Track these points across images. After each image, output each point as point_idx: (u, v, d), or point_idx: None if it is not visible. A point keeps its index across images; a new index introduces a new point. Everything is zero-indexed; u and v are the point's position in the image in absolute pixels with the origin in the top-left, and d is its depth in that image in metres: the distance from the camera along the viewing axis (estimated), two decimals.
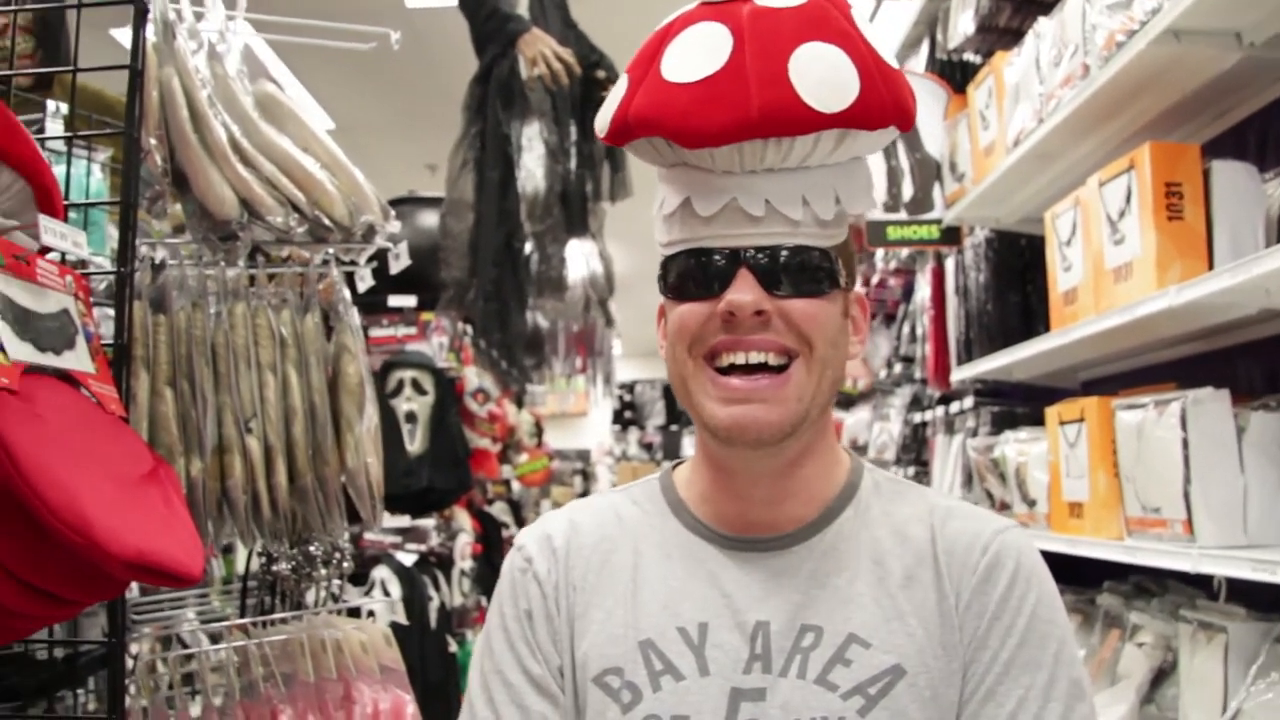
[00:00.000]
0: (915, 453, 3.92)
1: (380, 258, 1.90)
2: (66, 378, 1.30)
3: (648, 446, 14.71)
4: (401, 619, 3.56)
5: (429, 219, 3.76)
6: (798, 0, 0.98)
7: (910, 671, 0.97)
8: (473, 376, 4.39)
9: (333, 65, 5.50)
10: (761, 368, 0.99)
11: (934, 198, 3.47)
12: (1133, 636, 2.17)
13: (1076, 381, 3.03)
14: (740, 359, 0.99)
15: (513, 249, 3.25)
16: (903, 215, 3.49)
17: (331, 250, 1.80)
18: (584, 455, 13.64)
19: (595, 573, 1.08)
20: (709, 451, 1.08)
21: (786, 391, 0.99)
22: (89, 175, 2.09)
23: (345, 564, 1.83)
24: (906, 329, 3.97)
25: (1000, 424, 3.03)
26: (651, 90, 0.98)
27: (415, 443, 3.66)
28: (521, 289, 3.31)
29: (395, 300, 3.99)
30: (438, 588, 4.01)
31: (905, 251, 3.90)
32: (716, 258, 0.99)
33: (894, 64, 1.01)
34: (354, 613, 2.05)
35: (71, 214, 1.57)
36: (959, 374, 3.19)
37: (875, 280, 4.22)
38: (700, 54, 0.97)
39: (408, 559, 3.87)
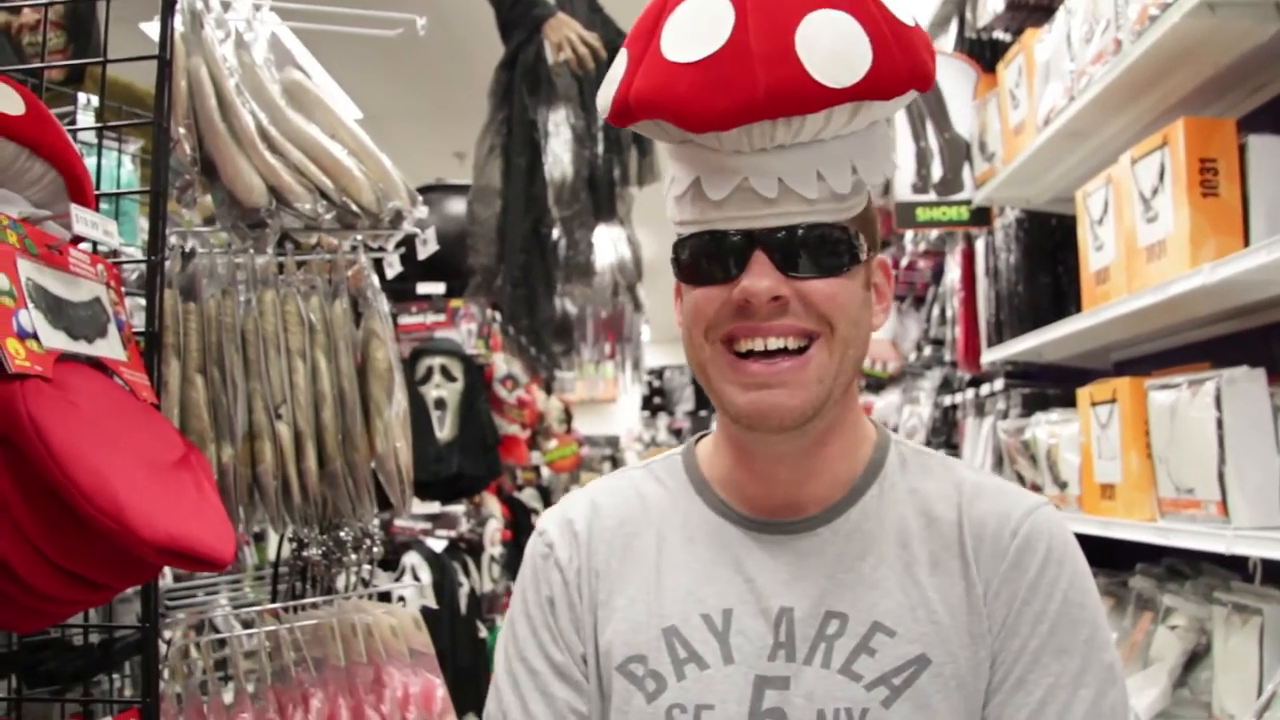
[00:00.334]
0: (945, 436, 3.89)
1: (408, 244, 1.91)
2: (99, 365, 1.31)
3: (677, 433, 14.68)
4: (431, 604, 3.58)
5: (457, 206, 3.78)
6: None
7: (935, 661, 0.95)
8: (501, 363, 4.40)
9: (359, 53, 5.52)
10: (781, 351, 0.95)
11: (964, 178, 3.44)
12: (1165, 619, 2.15)
13: (1108, 362, 3.00)
14: (759, 345, 0.95)
15: (540, 235, 3.25)
16: (932, 196, 3.46)
17: (359, 236, 1.81)
18: (613, 441, 13.63)
19: (618, 558, 1.06)
20: (730, 433, 1.06)
21: (807, 374, 0.96)
22: (119, 166, 2.11)
23: (375, 549, 1.84)
24: (936, 311, 3.94)
25: (1031, 406, 3.00)
26: (651, 71, 0.92)
27: (444, 429, 3.68)
28: (549, 275, 3.31)
29: (424, 288, 4.01)
30: (467, 574, 4.03)
31: (935, 233, 3.87)
32: (730, 241, 0.95)
33: (907, 21, 0.92)
34: (384, 597, 2.06)
35: (103, 204, 1.59)
36: (989, 356, 3.16)
37: (905, 263, 4.19)
38: (701, 28, 0.90)
39: (438, 545, 3.89)
